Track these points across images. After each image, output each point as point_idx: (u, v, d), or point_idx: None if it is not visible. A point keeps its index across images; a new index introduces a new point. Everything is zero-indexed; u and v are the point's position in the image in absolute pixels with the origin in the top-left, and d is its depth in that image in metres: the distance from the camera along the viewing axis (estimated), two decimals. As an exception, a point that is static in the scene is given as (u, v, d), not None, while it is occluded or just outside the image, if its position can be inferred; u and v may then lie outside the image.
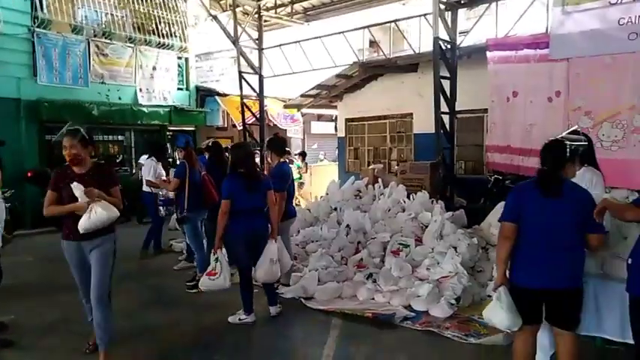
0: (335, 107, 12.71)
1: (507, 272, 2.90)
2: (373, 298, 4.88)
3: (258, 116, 12.26)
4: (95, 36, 10.76)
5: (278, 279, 4.88)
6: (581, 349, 3.20)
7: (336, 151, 14.07)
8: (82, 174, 3.34)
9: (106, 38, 10.95)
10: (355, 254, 5.81)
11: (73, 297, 5.11)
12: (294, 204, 5.71)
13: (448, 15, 8.00)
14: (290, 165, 5.79)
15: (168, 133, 12.28)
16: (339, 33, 10.21)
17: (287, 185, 5.03)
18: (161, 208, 5.72)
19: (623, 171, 6.17)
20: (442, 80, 7.93)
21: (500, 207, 5.66)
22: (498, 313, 2.86)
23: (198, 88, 13.25)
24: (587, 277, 2.96)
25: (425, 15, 8.59)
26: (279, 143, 5.26)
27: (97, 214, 3.20)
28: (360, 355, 3.70)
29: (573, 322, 2.89)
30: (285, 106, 13.51)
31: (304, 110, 13.91)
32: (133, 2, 11.50)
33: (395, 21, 9.73)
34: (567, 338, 2.88)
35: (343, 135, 12.15)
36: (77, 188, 3.20)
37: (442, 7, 7.77)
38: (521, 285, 2.84)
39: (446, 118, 8.12)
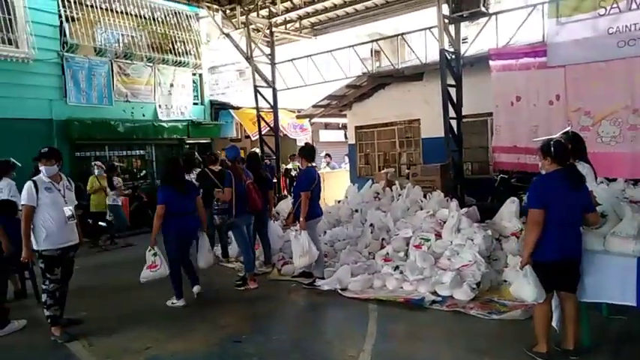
0: (344, 116, 13.29)
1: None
2: (402, 287, 5.44)
3: (272, 127, 12.88)
4: (117, 57, 11.42)
5: (312, 273, 5.56)
6: (590, 319, 3.80)
7: (345, 158, 14.71)
8: None
9: (127, 59, 11.60)
10: (380, 249, 6.39)
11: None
12: (320, 205, 6.28)
13: (452, 27, 8.64)
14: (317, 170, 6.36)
15: (186, 145, 12.90)
16: (349, 47, 10.84)
17: (312, 186, 5.68)
18: (216, 216, 6.18)
19: (621, 163, 6.82)
20: (449, 88, 8.54)
21: (510, 202, 6.31)
22: (526, 288, 3.44)
23: (212, 102, 13.91)
24: (593, 253, 3.56)
25: (430, 28, 9.20)
26: (309, 151, 5.98)
27: None
28: (400, 330, 4.28)
29: (577, 285, 3.54)
30: (298, 117, 14.10)
31: (313, 120, 14.52)
32: (151, 24, 12.18)
33: (402, 34, 10.37)
34: (573, 300, 3.55)
35: (354, 142, 12.73)
36: None
37: (446, 21, 8.40)
38: (549, 260, 3.42)
39: (453, 123, 8.71)
